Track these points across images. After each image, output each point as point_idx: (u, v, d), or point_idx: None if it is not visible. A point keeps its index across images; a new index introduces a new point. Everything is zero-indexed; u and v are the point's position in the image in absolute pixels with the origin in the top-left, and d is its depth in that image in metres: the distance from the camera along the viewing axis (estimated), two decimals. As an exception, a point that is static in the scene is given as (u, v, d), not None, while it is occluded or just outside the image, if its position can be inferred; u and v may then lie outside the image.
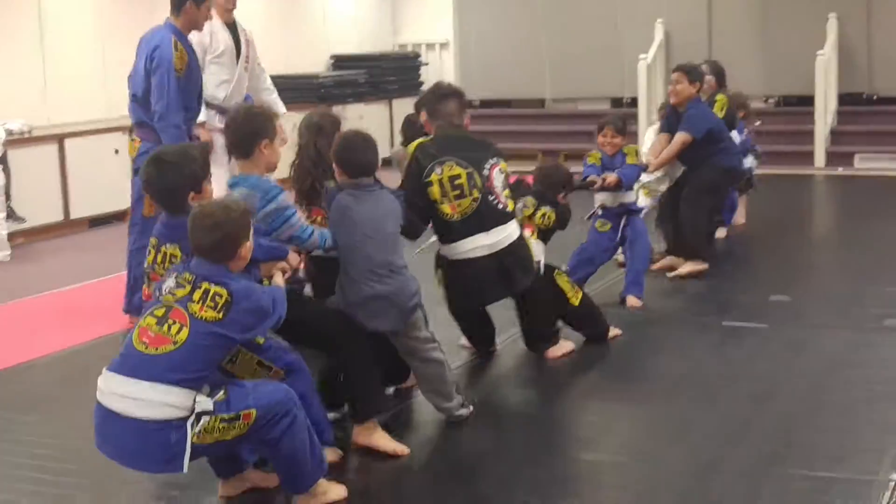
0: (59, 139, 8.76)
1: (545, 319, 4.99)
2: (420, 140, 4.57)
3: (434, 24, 13.24)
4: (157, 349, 3.12)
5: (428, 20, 13.26)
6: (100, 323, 5.84)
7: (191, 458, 3.14)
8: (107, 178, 8.68)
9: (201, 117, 6.09)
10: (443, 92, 4.64)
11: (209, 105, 6.33)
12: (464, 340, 5.10)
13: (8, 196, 7.89)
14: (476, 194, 4.39)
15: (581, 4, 12.48)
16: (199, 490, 3.64)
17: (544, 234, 5.13)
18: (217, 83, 6.38)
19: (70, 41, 9.37)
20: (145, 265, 3.60)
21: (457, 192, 4.36)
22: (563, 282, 5.07)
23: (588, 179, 5.94)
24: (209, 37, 6.29)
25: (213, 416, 3.14)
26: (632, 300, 5.89)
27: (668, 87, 6.74)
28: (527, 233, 4.90)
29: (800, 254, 7.28)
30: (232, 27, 6.43)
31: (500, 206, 4.48)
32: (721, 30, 11.77)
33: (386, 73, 12.20)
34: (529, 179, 5.38)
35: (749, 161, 7.37)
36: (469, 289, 4.52)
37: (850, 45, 11.45)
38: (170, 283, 3.24)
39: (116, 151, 8.85)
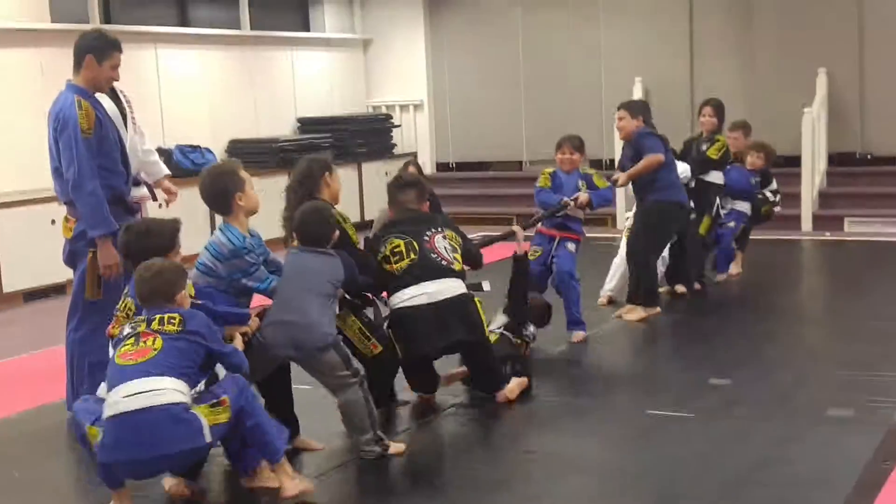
0: (-10, 210, 8.34)
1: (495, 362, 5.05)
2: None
3: (408, 84, 12.80)
4: (143, 358, 3.63)
5: (402, 81, 12.82)
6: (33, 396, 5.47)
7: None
8: (42, 250, 8.22)
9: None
10: (403, 182, 5.13)
11: None
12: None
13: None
14: (413, 256, 4.74)
15: (562, 63, 12.03)
16: None
17: None
18: None
19: (4, 109, 8.97)
20: (117, 307, 4.17)
21: (396, 257, 4.76)
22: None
23: (562, 202, 6.09)
24: None
25: (202, 405, 3.64)
26: (578, 335, 6.11)
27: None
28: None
29: (758, 328, 6.55)
30: (112, 92, 5.94)
31: (444, 262, 4.78)
32: (703, 86, 11.22)
33: (354, 136, 11.71)
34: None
35: (742, 206, 7.89)
36: (409, 336, 4.69)
37: (841, 102, 10.87)
38: (127, 329, 3.77)
39: (53, 222, 8.39)
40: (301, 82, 12.02)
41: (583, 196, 6.07)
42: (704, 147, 7.53)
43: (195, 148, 10.02)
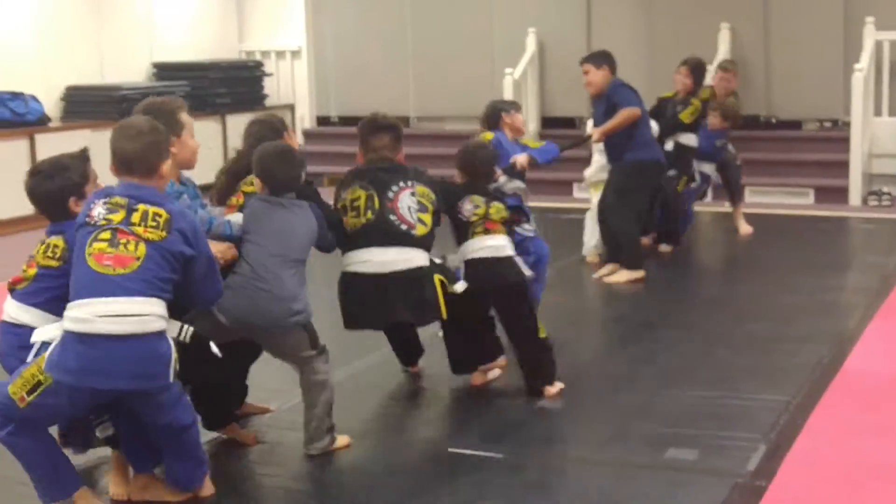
0: None
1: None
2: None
3: (285, 29, 11.65)
4: (125, 268, 3.17)
5: (278, 25, 11.67)
6: None
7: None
8: None
9: None
10: (377, 124, 4.48)
11: None
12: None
13: None
14: (370, 215, 4.20)
15: (451, 12, 10.97)
16: None
17: (509, 227, 4.77)
18: None
19: None
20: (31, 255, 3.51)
21: (353, 213, 4.22)
22: None
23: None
24: None
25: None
26: None
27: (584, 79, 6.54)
28: (494, 239, 4.54)
29: (617, 328, 5.66)
30: None
31: (403, 227, 4.21)
32: (600, 40, 10.24)
33: (217, 85, 10.58)
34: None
35: (708, 168, 7.66)
36: (349, 307, 4.22)
37: (745, 61, 9.92)
38: (99, 210, 3.22)
39: None
40: (161, 23, 10.80)
41: (520, 158, 5.40)
42: (679, 109, 7.31)
43: (17, 95, 8.84)
